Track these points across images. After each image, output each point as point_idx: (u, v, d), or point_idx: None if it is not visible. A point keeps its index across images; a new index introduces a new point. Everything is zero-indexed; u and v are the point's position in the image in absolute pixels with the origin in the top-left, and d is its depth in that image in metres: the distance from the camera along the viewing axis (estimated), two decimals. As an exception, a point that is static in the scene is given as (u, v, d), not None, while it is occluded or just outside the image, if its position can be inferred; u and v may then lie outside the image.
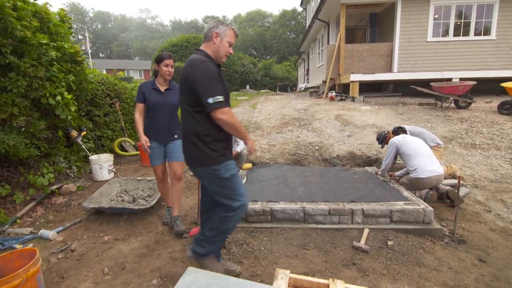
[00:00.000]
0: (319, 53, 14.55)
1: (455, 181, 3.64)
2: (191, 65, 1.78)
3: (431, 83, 7.78)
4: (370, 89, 10.71)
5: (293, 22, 42.05)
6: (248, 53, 37.77)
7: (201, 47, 1.92)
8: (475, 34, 9.57)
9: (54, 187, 3.56)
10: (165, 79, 2.74)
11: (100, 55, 57.93)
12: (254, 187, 3.53)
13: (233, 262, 2.35)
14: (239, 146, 4.22)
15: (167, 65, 2.66)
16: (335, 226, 2.83)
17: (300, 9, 37.03)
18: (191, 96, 1.79)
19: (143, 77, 39.72)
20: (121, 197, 3.39)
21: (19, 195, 3.23)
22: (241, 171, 4.22)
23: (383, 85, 11.12)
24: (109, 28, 60.06)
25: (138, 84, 2.56)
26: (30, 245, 2.59)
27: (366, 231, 2.70)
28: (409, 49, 9.73)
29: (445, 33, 9.66)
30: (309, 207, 2.90)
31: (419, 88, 7.75)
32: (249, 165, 4.47)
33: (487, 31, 9.52)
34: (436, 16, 9.52)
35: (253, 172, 4.17)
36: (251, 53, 42.12)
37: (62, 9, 3.93)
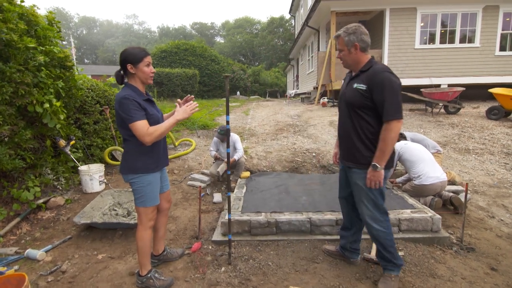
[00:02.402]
0: (309, 59, 14.68)
1: (456, 187, 3.63)
2: None
3: (421, 89, 7.92)
4: (360, 95, 10.81)
5: (281, 29, 42.54)
6: (237, 60, 37.86)
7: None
8: (460, 42, 9.87)
9: (41, 201, 3.32)
10: (144, 85, 2.01)
11: (86, 61, 56.71)
12: (255, 197, 3.40)
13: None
14: (237, 154, 4.09)
15: (148, 64, 1.93)
16: (342, 236, 2.73)
17: (288, 16, 37.59)
18: None
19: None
20: (115, 210, 3.18)
21: (2, 211, 2.97)
22: (239, 180, 4.08)
23: (373, 91, 11.27)
24: (95, 34, 58.99)
25: (121, 99, 1.82)
26: (15, 267, 2.36)
27: (375, 241, 2.61)
28: (398, 56, 9.92)
29: (432, 41, 9.92)
30: (315, 217, 2.79)
31: (410, 94, 7.86)
32: (247, 174, 4.34)
33: (471, 39, 9.85)
34: (422, 24, 9.78)
35: (252, 181, 4.04)
36: (240, 59, 42.25)
37: (51, 12, 3.73)
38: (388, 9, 9.68)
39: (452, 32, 9.81)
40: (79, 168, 3.89)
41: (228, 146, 2.37)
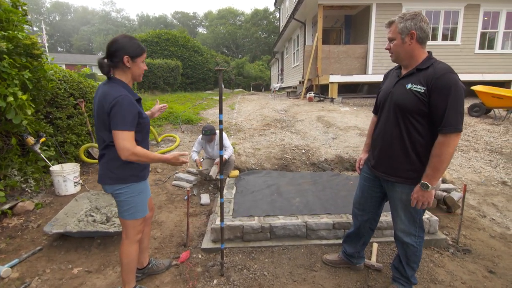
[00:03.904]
0: (294, 53, 14.54)
1: (447, 186, 3.62)
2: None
3: (406, 85, 7.98)
4: (345, 90, 10.83)
5: (265, 22, 42.08)
6: (220, 51, 37.06)
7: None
8: (443, 39, 10.05)
9: (6, 206, 2.96)
10: (132, 82, 1.78)
11: (59, 49, 53.56)
12: (246, 199, 3.21)
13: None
14: (227, 153, 3.86)
15: (143, 61, 1.74)
16: (339, 241, 2.61)
17: (272, 8, 37.12)
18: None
19: (107, 74, 37.27)
20: (92, 216, 2.89)
21: (-41, 219, 2.61)
22: (228, 179, 3.87)
23: (358, 86, 11.32)
24: (69, 21, 55.73)
25: (119, 99, 1.55)
26: (-27, 287, 2.05)
27: (375, 246, 2.52)
28: (383, 52, 9.92)
29: (416, 37, 10.02)
30: (311, 221, 2.65)
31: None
32: (236, 172, 4.14)
33: (453, 37, 10.05)
34: (407, 20, 9.84)
35: (242, 181, 3.85)
36: (223, 51, 41.44)
37: (13, -8, 3.29)
38: (374, 4, 9.67)
39: (435, 29, 9.96)
40: (50, 168, 3.53)
41: (221, 148, 2.14)
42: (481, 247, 2.69)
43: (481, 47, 10.22)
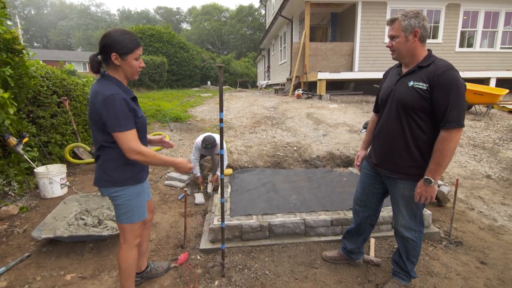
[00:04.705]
0: (281, 50, 14.53)
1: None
2: None
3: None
4: (332, 87, 10.95)
5: (250, 18, 41.85)
6: (205, 48, 36.59)
7: None
8: (426, 37, 10.32)
9: (-12, 211, 2.79)
10: (127, 80, 1.65)
11: (35, 44, 51.16)
12: (243, 197, 3.18)
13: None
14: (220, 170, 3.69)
15: (138, 57, 1.60)
16: (338, 237, 2.64)
17: (257, 5, 36.93)
18: None
19: (87, 70, 36.01)
20: (83, 219, 2.77)
21: None
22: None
23: (344, 84, 11.48)
24: (45, 15, 53.28)
25: (109, 98, 1.45)
26: (-43, 299, 1.91)
27: (372, 241, 2.55)
28: (369, 49, 10.14)
29: (400, 35, 10.25)
30: (310, 218, 2.65)
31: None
32: (230, 171, 4.09)
33: (435, 35, 10.34)
34: (392, 18, 10.04)
35: (236, 179, 3.81)
36: (208, 47, 40.95)
37: (-10, -17, 3.08)
38: (360, 2, 9.78)
39: (418, 28, 10.20)
40: (35, 170, 3.35)
41: (221, 147, 2.08)
42: (472, 239, 2.78)
43: (461, 45, 10.60)
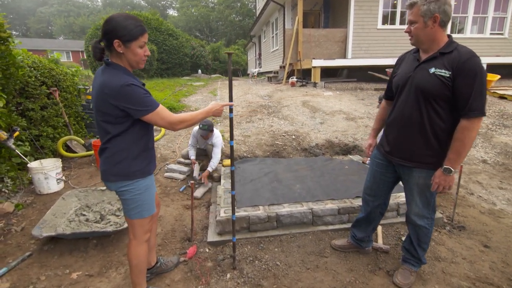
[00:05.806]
0: (273, 37, 14.27)
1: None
2: None
3: (386, 69, 8.15)
4: (325, 74, 10.89)
5: (239, 4, 40.84)
6: (193, 35, 35.67)
7: None
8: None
9: (-18, 209, 2.66)
10: (132, 69, 1.56)
11: (14, 32, 48.61)
12: (247, 188, 3.14)
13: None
14: (212, 162, 3.59)
15: (143, 45, 1.50)
16: (345, 225, 2.65)
17: (246, -10, 35.98)
18: None
19: (71, 59, 34.67)
20: (84, 215, 2.68)
21: None
22: (223, 168, 3.76)
23: (337, 71, 11.42)
24: (23, 1, 50.51)
25: (123, 86, 1.38)
26: (-42, 303, 1.83)
27: (379, 228, 2.57)
28: (362, 36, 10.05)
29: (392, 21, 10.20)
30: (317, 208, 2.64)
31: (377, 74, 8.06)
32: (229, 161, 4.02)
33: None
34: (384, 4, 9.95)
35: (237, 169, 3.75)
36: (196, 35, 39.92)
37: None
38: (354, -13, 9.62)
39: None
40: (29, 165, 3.21)
41: (231, 138, 2.01)
42: (474, 223, 2.84)
43: (452, 31, 10.63)
